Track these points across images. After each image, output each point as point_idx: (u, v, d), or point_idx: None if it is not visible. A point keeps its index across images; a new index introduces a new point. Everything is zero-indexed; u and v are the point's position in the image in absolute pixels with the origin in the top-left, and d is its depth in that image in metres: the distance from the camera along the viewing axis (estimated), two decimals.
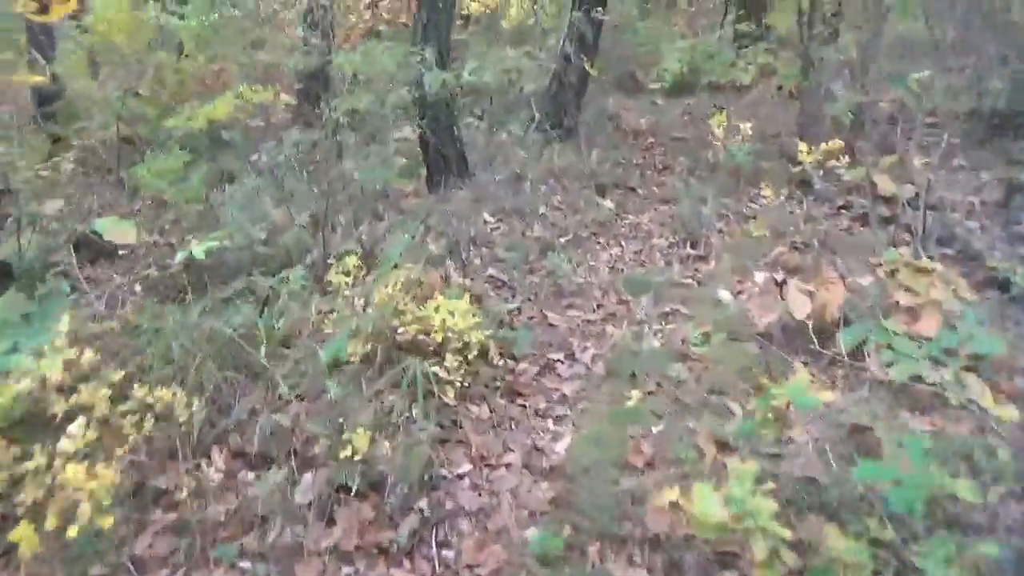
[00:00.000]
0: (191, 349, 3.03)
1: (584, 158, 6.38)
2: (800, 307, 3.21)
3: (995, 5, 5.96)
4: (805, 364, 3.40)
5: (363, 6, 10.14)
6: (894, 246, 4.54)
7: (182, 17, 7.31)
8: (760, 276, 3.60)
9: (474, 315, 3.28)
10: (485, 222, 5.13)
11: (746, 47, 9.82)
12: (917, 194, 4.89)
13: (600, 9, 6.51)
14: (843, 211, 5.31)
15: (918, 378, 2.98)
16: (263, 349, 3.11)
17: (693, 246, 4.92)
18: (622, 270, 4.69)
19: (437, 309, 3.24)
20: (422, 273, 3.69)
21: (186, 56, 7.63)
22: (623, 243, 5.06)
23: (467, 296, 3.40)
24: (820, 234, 4.72)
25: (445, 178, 5.45)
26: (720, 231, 5.06)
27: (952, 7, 5.79)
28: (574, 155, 6.32)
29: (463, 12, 9.85)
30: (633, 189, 6.05)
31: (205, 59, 7.17)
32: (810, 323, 3.40)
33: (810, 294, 3.33)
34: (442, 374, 3.00)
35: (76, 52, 7.84)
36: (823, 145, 4.95)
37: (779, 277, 3.39)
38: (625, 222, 5.38)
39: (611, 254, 4.90)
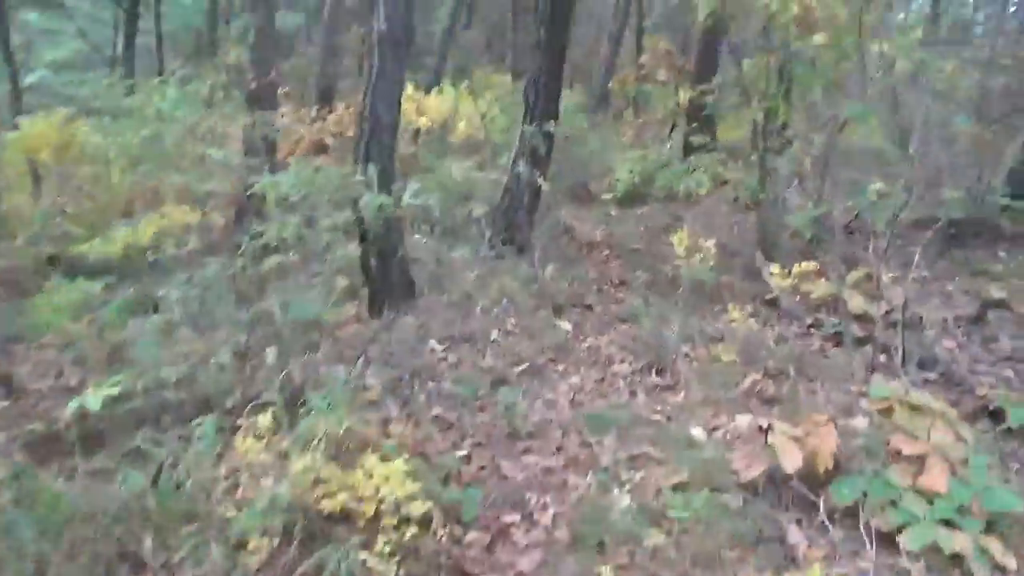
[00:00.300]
0: (55, 537, 2.45)
1: (539, 275, 6.05)
2: (790, 458, 2.80)
3: (942, 116, 5.99)
4: (798, 522, 2.95)
5: (309, 120, 9.99)
6: (873, 370, 4.23)
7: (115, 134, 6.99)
8: (742, 420, 3.20)
9: (414, 479, 2.77)
10: (432, 351, 4.68)
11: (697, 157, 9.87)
12: (889, 311, 4.64)
13: (552, 122, 6.37)
14: (813, 330, 5.02)
15: (935, 547, 2.55)
16: (149, 538, 2.53)
17: (659, 373, 4.52)
18: (583, 403, 4.24)
19: (370, 475, 2.73)
20: (356, 421, 3.20)
21: (121, 172, 7.27)
22: (583, 370, 4.63)
23: (406, 455, 2.91)
24: (793, 358, 4.38)
25: (389, 302, 5.02)
26: (686, 355, 4.69)
27: (903, 117, 5.79)
28: (528, 273, 5.99)
29: (412, 126, 9.74)
30: (590, 307, 5.70)
31: (135, 177, 6.79)
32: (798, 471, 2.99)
33: (798, 440, 2.92)
34: (372, 562, 2.46)
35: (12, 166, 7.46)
36: (797, 267, 4.72)
37: (762, 422, 2.98)
38: (584, 345, 4.98)
39: (570, 384, 4.47)
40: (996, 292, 5.15)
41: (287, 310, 3.76)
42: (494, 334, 4.93)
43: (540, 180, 6.37)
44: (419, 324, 4.88)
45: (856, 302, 4.66)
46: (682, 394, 4.24)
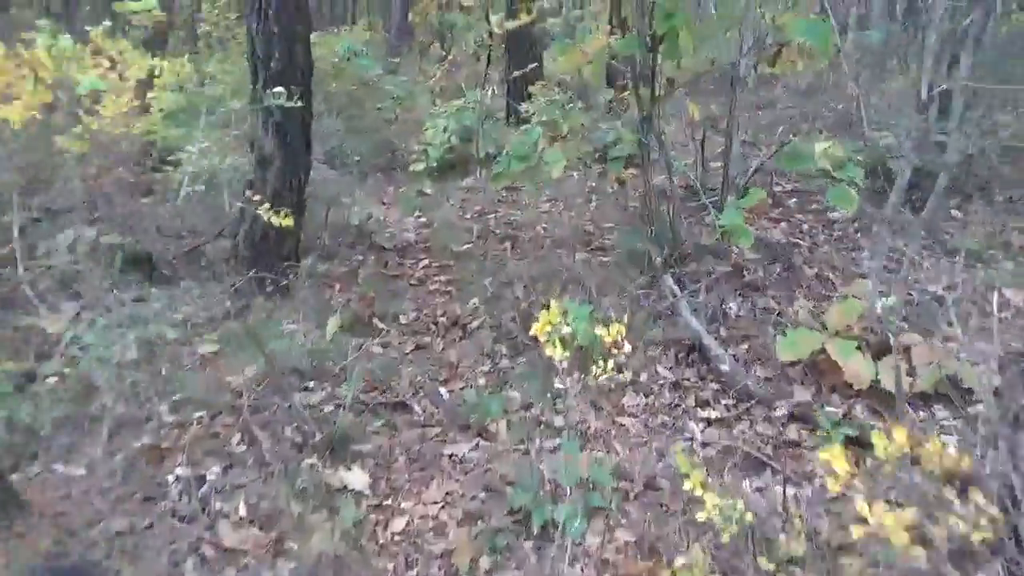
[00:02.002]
0: None
1: (311, 339, 3.54)
2: None
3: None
4: None
5: None
6: None
7: None
8: None
9: None
10: None
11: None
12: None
13: (301, 76, 3.74)
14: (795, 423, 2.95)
15: None
16: None
17: None
18: None
19: None
20: None
21: None
22: None
23: None
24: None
25: None
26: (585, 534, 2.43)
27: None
28: (288, 344, 3.45)
29: None
30: (404, 406, 3.27)
31: None
32: None
33: None
34: None
35: None
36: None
37: None
38: (388, 534, 2.54)
39: None
40: None
41: None
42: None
43: (299, 182, 3.78)
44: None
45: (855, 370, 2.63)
46: None
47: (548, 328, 2.02)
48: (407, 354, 3.70)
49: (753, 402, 3.01)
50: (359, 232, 5.18)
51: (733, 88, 3.86)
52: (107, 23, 3.76)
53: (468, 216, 5.84)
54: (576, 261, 4.58)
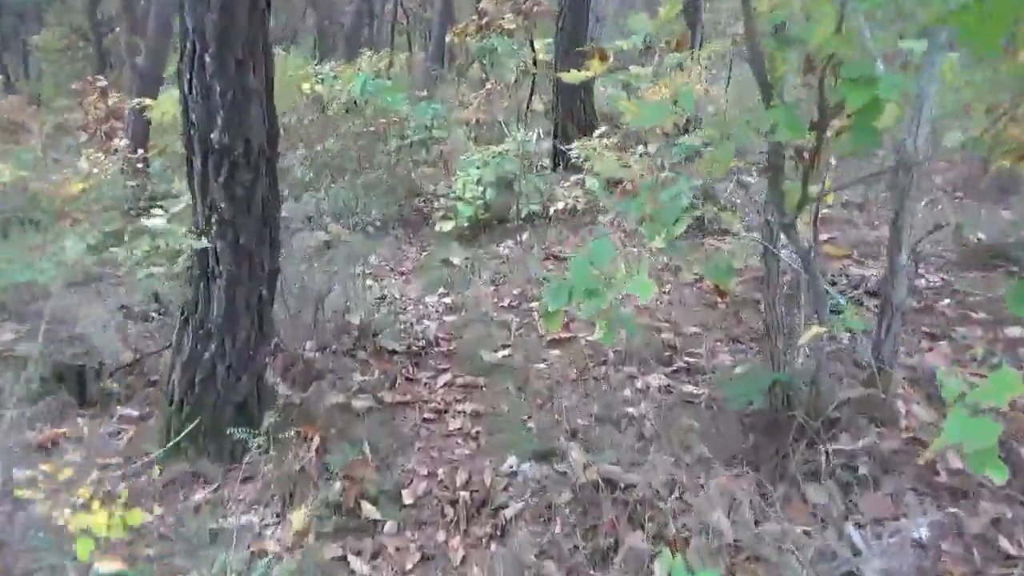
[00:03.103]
0: None
1: (270, 542, 2.32)
2: None
3: None
4: None
5: None
6: None
7: None
8: None
9: None
10: None
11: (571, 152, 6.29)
12: None
13: (246, 171, 2.54)
14: None
15: None
16: None
17: None
18: None
19: None
20: None
21: None
22: None
23: None
24: None
25: None
26: None
27: None
28: (224, 563, 2.23)
29: None
30: None
31: None
32: None
33: None
34: None
35: None
36: None
37: None
38: None
39: None
40: None
41: None
42: None
43: (259, 300, 2.57)
44: None
45: None
46: None
47: None
48: (408, 573, 2.44)
49: None
50: (361, 333, 3.96)
51: (899, 171, 2.54)
52: None
53: (505, 301, 4.58)
54: (651, 392, 3.29)
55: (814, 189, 2.15)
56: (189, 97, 2.33)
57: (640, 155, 5.86)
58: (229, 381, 2.70)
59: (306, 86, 6.32)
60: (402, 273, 5.42)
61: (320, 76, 6.71)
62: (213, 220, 2.49)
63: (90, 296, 4.60)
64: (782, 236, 2.41)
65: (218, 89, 2.28)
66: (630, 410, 3.13)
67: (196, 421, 2.71)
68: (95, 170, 5.85)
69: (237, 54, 2.26)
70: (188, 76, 2.31)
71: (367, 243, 5.82)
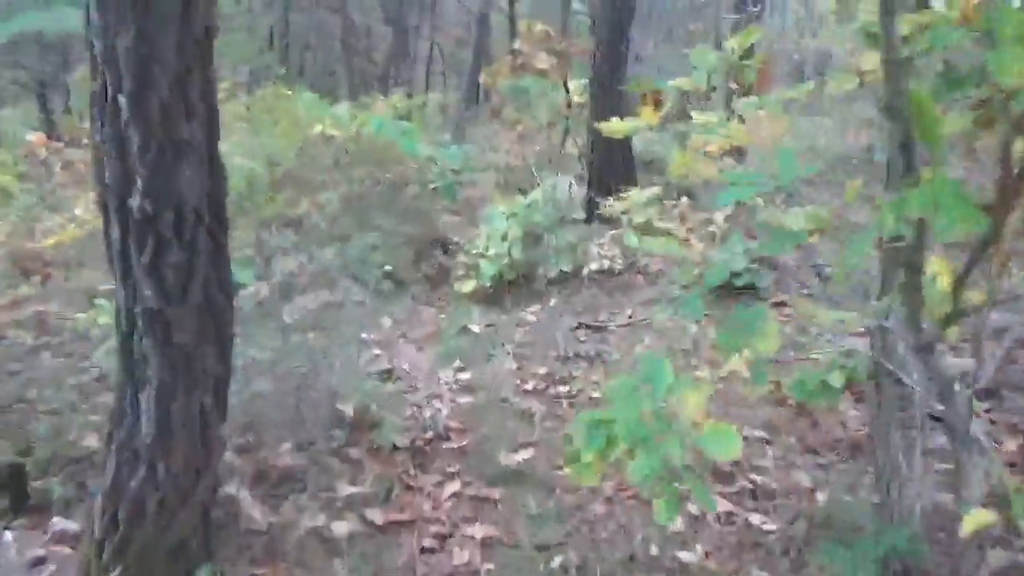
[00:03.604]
0: None
1: None
2: None
3: None
4: None
5: None
6: None
7: None
8: None
9: None
10: None
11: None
12: None
13: (179, 251, 1.95)
14: None
15: None
16: None
17: None
18: None
19: None
20: None
21: None
22: None
23: None
24: None
25: None
26: None
27: None
28: None
29: None
30: None
31: None
32: None
33: None
34: None
35: None
36: None
37: None
38: None
39: None
40: None
41: None
42: None
43: (201, 410, 1.96)
44: None
45: None
46: None
47: None
48: None
49: None
50: (355, 424, 3.31)
51: None
52: None
53: (529, 384, 3.90)
54: (707, 522, 2.58)
55: (975, 298, 1.47)
56: (102, 148, 1.74)
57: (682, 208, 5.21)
58: (161, 519, 2.07)
59: (318, 128, 5.82)
60: (413, 340, 4.79)
61: (334, 117, 6.21)
62: (137, 312, 1.88)
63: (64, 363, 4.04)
64: (908, 357, 1.71)
65: (136, 142, 1.69)
66: (683, 555, 2.41)
67: (119, 569, 2.07)
68: (88, 216, 5.38)
69: (162, 94, 1.67)
70: (99, 122, 1.73)
71: (380, 304, 5.22)
